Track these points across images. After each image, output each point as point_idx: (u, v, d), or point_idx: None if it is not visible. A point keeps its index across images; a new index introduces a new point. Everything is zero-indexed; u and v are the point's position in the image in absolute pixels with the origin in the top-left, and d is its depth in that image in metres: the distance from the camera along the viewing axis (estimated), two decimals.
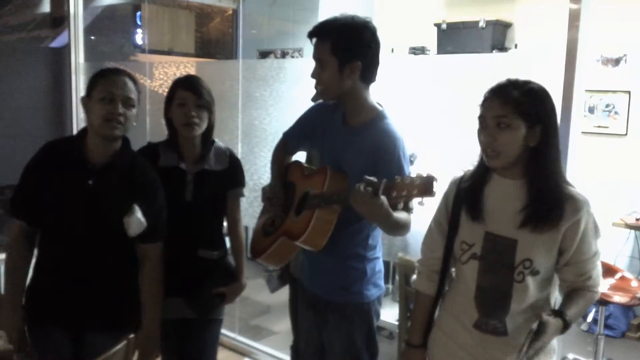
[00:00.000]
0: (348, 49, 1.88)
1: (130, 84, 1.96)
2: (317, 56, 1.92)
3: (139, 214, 1.95)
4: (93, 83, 1.96)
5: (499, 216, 1.60)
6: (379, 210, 1.63)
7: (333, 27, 1.91)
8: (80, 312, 1.97)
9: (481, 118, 1.57)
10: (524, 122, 1.52)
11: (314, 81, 1.96)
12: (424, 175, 1.51)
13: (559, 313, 1.52)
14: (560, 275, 1.64)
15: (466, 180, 1.68)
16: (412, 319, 1.84)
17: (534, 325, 1.46)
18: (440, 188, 1.63)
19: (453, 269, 1.77)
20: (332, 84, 1.91)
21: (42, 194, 1.94)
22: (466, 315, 1.66)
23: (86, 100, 1.97)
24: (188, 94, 2.20)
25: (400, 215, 1.78)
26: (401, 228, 1.84)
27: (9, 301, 1.98)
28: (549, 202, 1.54)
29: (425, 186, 1.51)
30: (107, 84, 1.93)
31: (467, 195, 1.65)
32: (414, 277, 1.83)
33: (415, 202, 1.54)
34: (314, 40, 1.94)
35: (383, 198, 1.61)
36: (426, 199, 1.54)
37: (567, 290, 1.64)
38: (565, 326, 1.50)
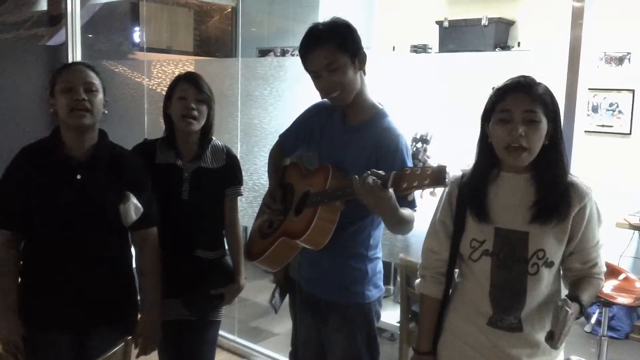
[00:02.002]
0: (351, 42, 1.88)
1: (88, 71, 1.96)
2: (325, 63, 1.86)
3: (134, 199, 1.97)
4: (52, 81, 1.96)
5: (508, 212, 1.60)
6: (387, 203, 1.63)
7: (328, 31, 1.89)
8: (81, 311, 1.96)
9: (505, 112, 1.54)
10: (545, 119, 1.53)
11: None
12: (435, 165, 1.50)
13: (575, 298, 1.51)
14: (565, 264, 1.63)
15: (467, 180, 1.67)
16: (420, 324, 1.80)
17: (556, 312, 1.44)
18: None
19: (456, 270, 1.75)
20: (352, 82, 1.89)
21: (29, 198, 1.92)
22: (479, 313, 1.64)
23: (52, 101, 1.96)
24: (189, 87, 2.19)
25: (405, 211, 1.78)
26: (406, 224, 1.83)
27: (4, 309, 1.95)
28: (557, 194, 1.56)
29: (437, 176, 1.49)
30: (64, 75, 1.94)
31: (472, 196, 1.64)
32: (417, 281, 1.79)
33: (426, 192, 1.51)
34: (312, 53, 1.88)
35: (391, 191, 1.60)
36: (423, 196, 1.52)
37: (572, 279, 1.64)
38: (582, 311, 1.51)
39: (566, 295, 1.55)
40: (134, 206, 1.97)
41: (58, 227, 1.94)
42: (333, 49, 1.85)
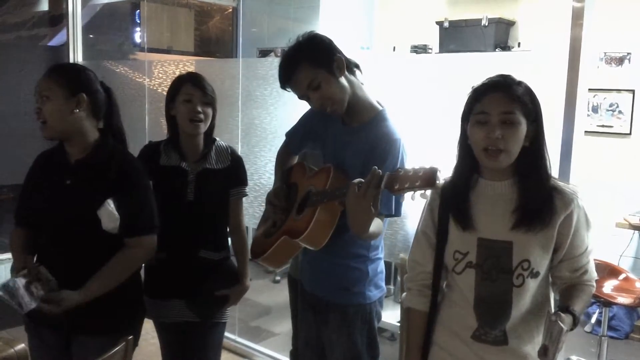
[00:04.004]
0: (321, 54, 1.87)
1: (46, 78, 1.90)
2: (306, 85, 1.87)
3: (110, 207, 1.88)
4: None
5: (491, 220, 1.55)
6: (366, 210, 1.59)
7: (295, 54, 1.89)
8: (68, 316, 1.89)
9: (482, 114, 1.49)
10: (525, 120, 1.49)
11: None
12: (427, 166, 1.48)
13: (566, 309, 1.47)
14: (554, 272, 1.59)
15: (449, 185, 1.62)
16: (408, 339, 1.75)
17: (549, 327, 1.39)
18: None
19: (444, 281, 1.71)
20: (339, 91, 1.88)
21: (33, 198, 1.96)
22: (464, 326, 1.60)
23: None
24: (194, 90, 2.18)
25: (374, 226, 1.73)
26: (372, 236, 1.80)
27: None
28: (540, 199, 1.51)
29: (428, 177, 1.46)
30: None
31: (454, 204, 1.60)
32: (404, 295, 1.75)
33: (417, 195, 1.51)
34: (291, 82, 1.90)
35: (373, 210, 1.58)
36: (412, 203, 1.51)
37: (562, 287, 1.60)
38: (575, 322, 1.46)
39: (557, 307, 1.51)
40: (108, 213, 1.87)
41: (49, 229, 1.93)
42: (306, 69, 1.85)
